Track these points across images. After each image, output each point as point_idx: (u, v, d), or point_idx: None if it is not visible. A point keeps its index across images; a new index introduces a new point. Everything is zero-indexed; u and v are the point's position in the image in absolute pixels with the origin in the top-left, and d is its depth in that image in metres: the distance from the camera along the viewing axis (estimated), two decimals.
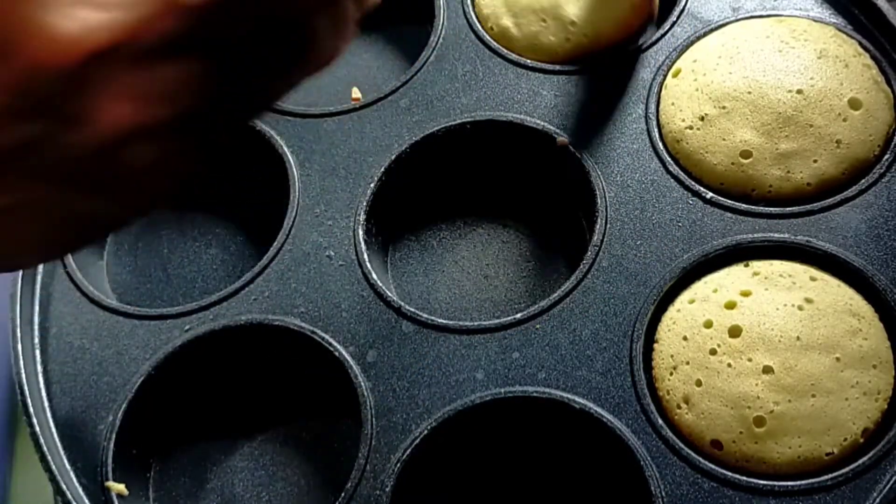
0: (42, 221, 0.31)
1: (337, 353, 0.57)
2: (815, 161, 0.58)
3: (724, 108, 0.60)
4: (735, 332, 0.53)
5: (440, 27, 0.68)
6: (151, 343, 0.60)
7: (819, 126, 0.58)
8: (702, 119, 0.60)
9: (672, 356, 0.54)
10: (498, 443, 0.56)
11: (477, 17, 0.68)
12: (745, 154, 0.58)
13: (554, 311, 0.57)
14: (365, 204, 0.62)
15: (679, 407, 0.53)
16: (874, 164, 0.58)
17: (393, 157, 0.63)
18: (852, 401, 0.51)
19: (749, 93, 0.59)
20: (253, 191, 0.68)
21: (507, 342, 0.56)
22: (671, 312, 0.56)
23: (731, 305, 0.54)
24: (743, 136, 0.59)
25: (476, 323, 0.58)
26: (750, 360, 0.52)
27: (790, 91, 0.59)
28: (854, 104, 0.59)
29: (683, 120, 0.60)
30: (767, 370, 0.52)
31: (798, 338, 0.52)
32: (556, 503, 0.56)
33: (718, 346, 0.53)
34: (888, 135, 0.59)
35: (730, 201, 0.58)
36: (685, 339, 0.54)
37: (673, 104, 0.61)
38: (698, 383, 0.53)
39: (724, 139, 0.59)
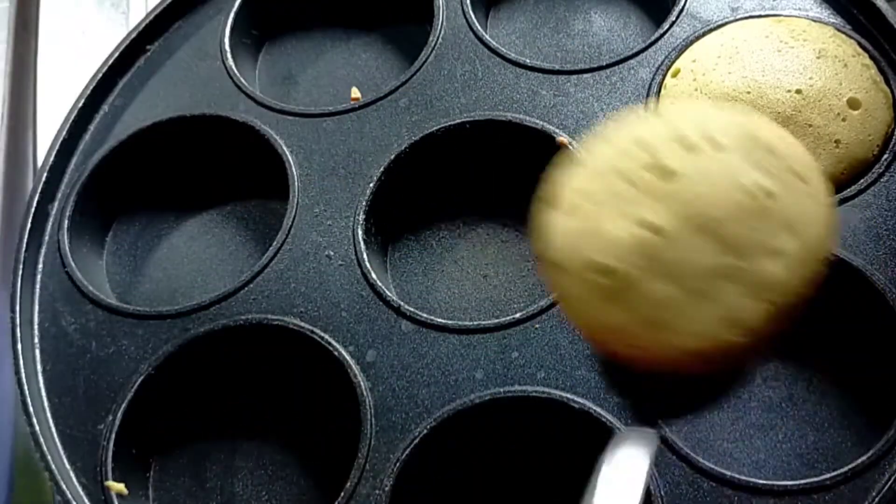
0: None
1: (336, 353, 0.58)
2: (816, 160, 0.58)
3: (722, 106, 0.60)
4: None
5: (439, 27, 0.68)
6: (151, 343, 0.60)
7: (818, 126, 0.58)
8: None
9: None
10: (497, 442, 0.56)
11: None
12: None
13: (553, 311, 0.57)
14: (364, 203, 0.62)
15: None
16: (873, 164, 0.58)
17: (392, 157, 0.63)
18: None
19: (748, 93, 0.59)
20: (252, 190, 0.69)
21: (506, 342, 0.56)
22: None
23: None
24: None
25: (475, 322, 0.58)
26: None
27: (789, 91, 0.59)
28: (853, 104, 0.59)
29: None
30: None
31: None
32: (556, 503, 0.56)
33: None
34: (887, 134, 0.59)
35: None
36: None
37: (672, 104, 0.61)
38: None
39: None
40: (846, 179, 0.58)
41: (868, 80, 0.60)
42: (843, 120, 0.58)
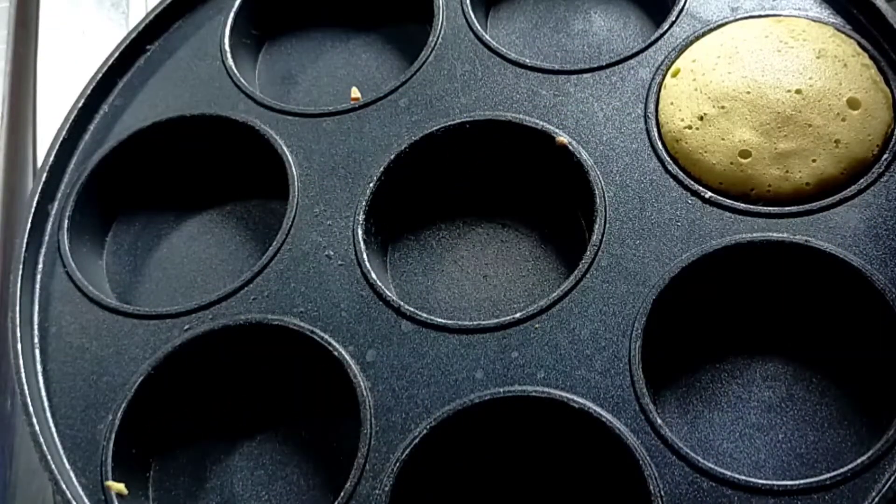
0: None
1: (336, 353, 0.58)
2: (814, 161, 0.58)
3: (722, 107, 0.60)
4: None
5: (439, 27, 0.68)
6: (151, 342, 0.60)
7: (818, 126, 0.58)
8: (701, 119, 0.60)
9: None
10: (497, 442, 0.56)
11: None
12: (744, 154, 0.59)
13: (553, 311, 0.57)
14: (364, 203, 0.62)
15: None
16: (873, 164, 0.58)
17: (392, 157, 0.63)
18: None
19: (748, 92, 0.59)
20: (252, 190, 0.69)
21: (506, 342, 0.56)
22: None
23: None
24: (742, 135, 0.59)
25: (475, 322, 0.58)
26: None
27: (789, 91, 0.59)
28: (853, 104, 0.59)
29: (682, 119, 0.60)
30: None
31: None
32: (556, 503, 0.56)
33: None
34: (887, 134, 0.59)
35: (729, 201, 0.58)
36: None
37: (672, 104, 0.61)
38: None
39: (722, 139, 0.59)
40: (846, 179, 0.58)
41: (868, 80, 0.60)
42: (843, 120, 0.58)
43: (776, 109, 0.59)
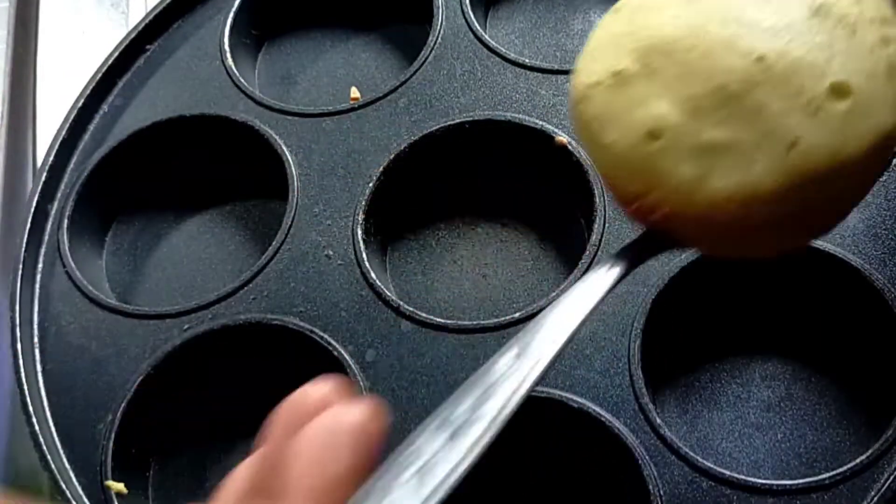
0: None
1: (336, 353, 0.58)
2: (751, 165, 0.37)
3: (647, 64, 0.39)
4: None
5: (438, 27, 0.68)
6: (150, 342, 0.60)
7: (773, 114, 0.37)
8: (614, 76, 0.40)
9: None
10: (496, 442, 0.56)
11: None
12: (653, 134, 0.39)
13: None
14: (363, 203, 0.62)
15: None
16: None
17: (391, 157, 0.63)
18: None
19: (689, 50, 0.39)
20: (252, 190, 0.69)
21: (505, 341, 0.56)
22: None
23: None
24: (659, 108, 0.39)
25: (475, 322, 0.58)
26: None
27: (746, 56, 0.38)
28: (838, 91, 0.37)
29: (594, 73, 0.41)
30: None
31: None
32: (554, 502, 0.56)
33: None
34: (878, 145, 0.39)
35: None
36: None
37: (592, 52, 0.42)
38: None
39: (631, 108, 0.39)
40: (781, 197, 0.39)
41: (878, 62, 0.38)
42: (816, 112, 0.37)
43: (718, 79, 0.38)
